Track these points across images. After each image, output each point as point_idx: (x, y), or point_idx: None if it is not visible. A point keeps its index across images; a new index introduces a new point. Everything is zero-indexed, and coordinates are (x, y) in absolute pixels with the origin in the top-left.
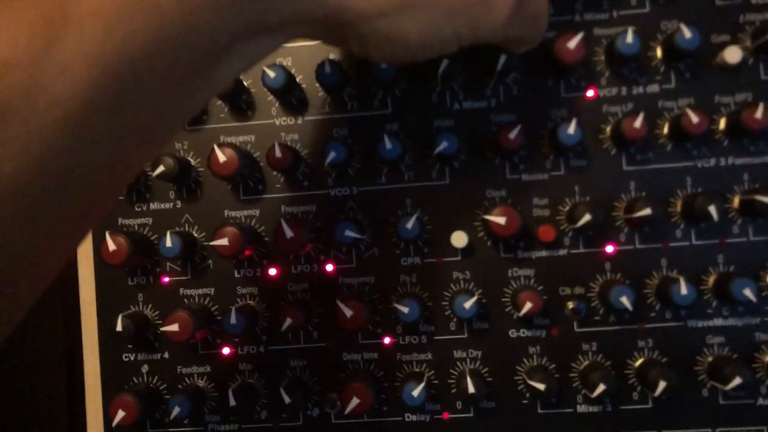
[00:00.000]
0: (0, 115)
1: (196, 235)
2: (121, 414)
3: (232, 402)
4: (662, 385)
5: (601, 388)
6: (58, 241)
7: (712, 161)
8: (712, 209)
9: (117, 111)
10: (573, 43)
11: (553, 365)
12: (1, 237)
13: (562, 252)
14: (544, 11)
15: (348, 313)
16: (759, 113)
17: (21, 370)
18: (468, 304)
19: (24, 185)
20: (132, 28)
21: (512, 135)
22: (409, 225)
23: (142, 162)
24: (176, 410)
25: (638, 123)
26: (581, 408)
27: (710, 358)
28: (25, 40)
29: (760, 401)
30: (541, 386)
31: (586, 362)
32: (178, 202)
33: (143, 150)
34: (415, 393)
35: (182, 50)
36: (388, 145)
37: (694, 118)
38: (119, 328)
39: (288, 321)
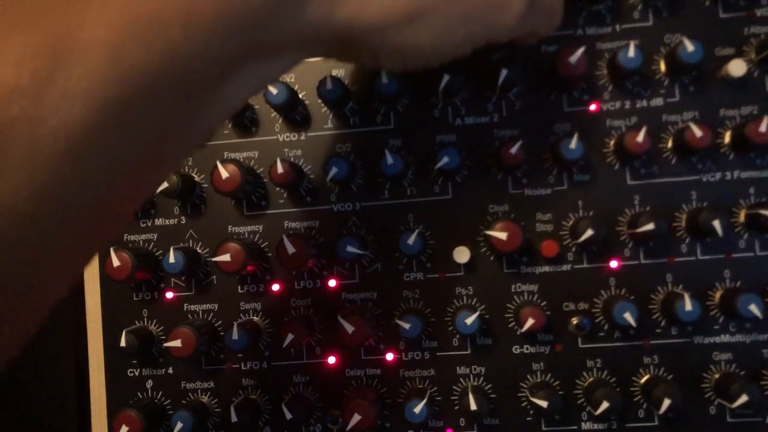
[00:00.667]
0: (4, 144)
1: (200, 250)
2: (125, 429)
3: (234, 418)
4: (666, 402)
5: (605, 405)
6: (63, 266)
7: (718, 175)
8: (717, 224)
9: (120, 137)
10: (575, 57)
11: (557, 382)
12: (7, 264)
13: (566, 267)
14: (558, 3)
15: (350, 329)
16: (763, 126)
17: (31, 384)
18: (470, 320)
19: (30, 212)
20: (135, 56)
21: (513, 150)
22: (411, 240)
23: (149, 187)
24: (179, 425)
25: (641, 137)
26: (586, 425)
27: (717, 375)
28: (29, 67)
29: None
30: (543, 403)
31: (591, 379)
32: (183, 218)
33: (148, 175)
34: (417, 409)
35: (185, 76)
36: (390, 160)
37: (698, 132)
38: (123, 343)
39: (290, 337)
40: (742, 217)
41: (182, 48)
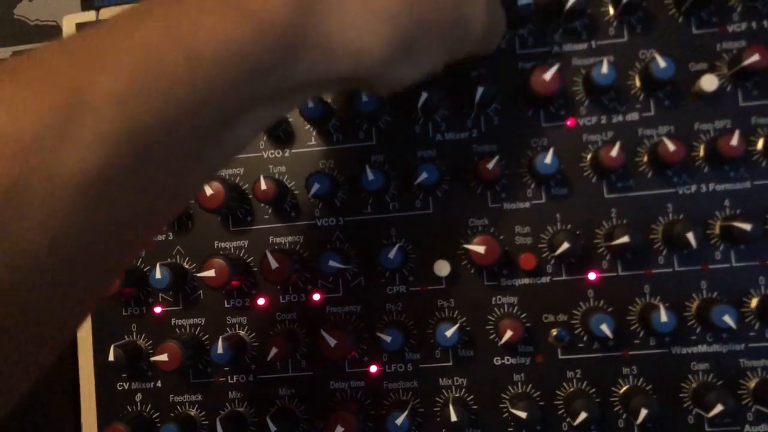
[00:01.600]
0: (21, 195)
1: (186, 266)
2: None
3: (221, 431)
4: (643, 412)
5: (583, 416)
6: (76, 305)
7: (693, 188)
8: (691, 236)
9: (130, 182)
10: (549, 74)
11: (538, 393)
12: (24, 309)
13: (545, 279)
14: (503, 20)
15: (332, 342)
16: (734, 140)
17: (28, 399)
18: (449, 332)
19: (44, 258)
20: (145, 108)
21: (490, 165)
22: (391, 255)
23: (159, 226)
24: None
25: (615, 152)
26: None
27: (694, 385)
28: (46, 122)
29: (747, 428)
30: (522, 414)
31: (571, 390)
32: (170, 234)
33: (158, 215)
34: (398, 421)
35: (193, 123)
36: (371, 176)
37: (671, 147)
38: (111, 357)
39: (274, 350)
40: (717, 229)
41: (190, 100)
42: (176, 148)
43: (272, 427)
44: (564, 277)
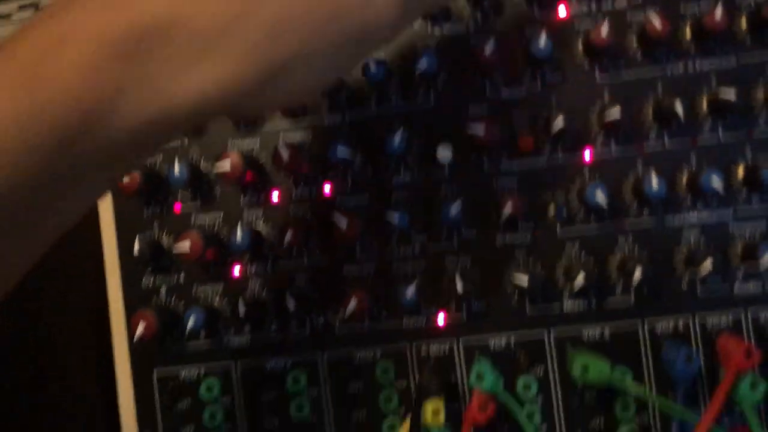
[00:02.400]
0: None
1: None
2: (141, 327)
3: (242, 309)
4: (638, 271)
5: (581, 279)
6: None
7: (680, 67)
8: (678, 106)
9: None
10: None
11: (539, 266)
12: None
13: (542, 161)
14: None
15: (343, 222)
16: (717, 14)
17: (51, 309)
18: (454, 208)
19: None
20: None
21: (487, 51)
22: (396, 139)
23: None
24: (192, 321)
25: (604, 29)
26: (567, 305)
27: (686, 250)
28: None
29: (737, 285)
30: (524, 278)
31: (570, 261)
32: (185, 140)
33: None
34: (409, 294)
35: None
36: (373, 69)
37: (657, 23)
38: (135, 250)
39: (289, 234)
40: (705, 106)
41: None
42: None
43: (291, 305)
44: (560, 155)
